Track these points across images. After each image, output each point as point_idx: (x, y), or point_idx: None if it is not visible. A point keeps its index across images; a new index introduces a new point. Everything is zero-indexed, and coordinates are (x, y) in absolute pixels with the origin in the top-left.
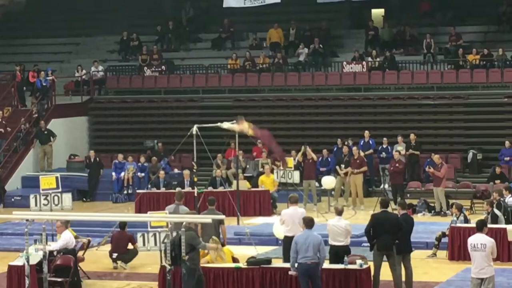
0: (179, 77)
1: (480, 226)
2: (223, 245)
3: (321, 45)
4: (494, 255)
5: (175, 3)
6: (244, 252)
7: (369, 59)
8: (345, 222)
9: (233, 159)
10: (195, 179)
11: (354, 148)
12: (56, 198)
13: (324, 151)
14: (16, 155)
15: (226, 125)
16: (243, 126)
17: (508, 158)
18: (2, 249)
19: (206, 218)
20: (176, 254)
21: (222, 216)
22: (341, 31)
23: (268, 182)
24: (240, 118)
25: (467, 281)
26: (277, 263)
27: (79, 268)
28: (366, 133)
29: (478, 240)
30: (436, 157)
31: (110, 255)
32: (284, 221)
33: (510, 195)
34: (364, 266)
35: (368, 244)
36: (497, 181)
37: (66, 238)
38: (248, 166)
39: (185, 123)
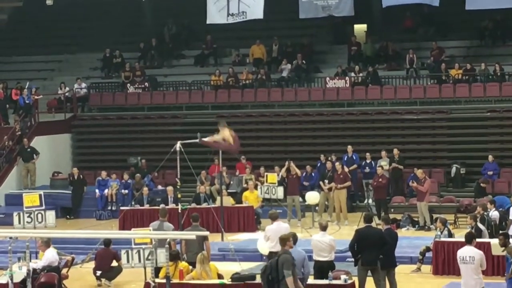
0: (162, 93)
1: (469, 239)
2: None
3: (304, 61)
4: (484, 267)
5: (158, 20)
6: (229, 268)
7: (352, 74)
8: (329, 237)
9: (217, 175)
10: (179, 196)
11: (337, 164)
12: (39, 215)
13: (308, 166)
14: None
15: (207, 138)
16: (225, 134)
17: (491, 172)
18: None
19: (189, 234)
20: (273, 277)
21: (206, 232)
22: (323, 47)
23: (252, 198)
24: (223, 123)
25: None
26: None
27: (63, 285)
28: (349, 148)
29: (467, 252)
30: (419, 172)
31: (94, 273)
32: (269, 237)
33: (494, 209)
34: (349, 282)
35: (353, 259)
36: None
37: (49, 256)
38: (232, 182)
39: (169, 139)
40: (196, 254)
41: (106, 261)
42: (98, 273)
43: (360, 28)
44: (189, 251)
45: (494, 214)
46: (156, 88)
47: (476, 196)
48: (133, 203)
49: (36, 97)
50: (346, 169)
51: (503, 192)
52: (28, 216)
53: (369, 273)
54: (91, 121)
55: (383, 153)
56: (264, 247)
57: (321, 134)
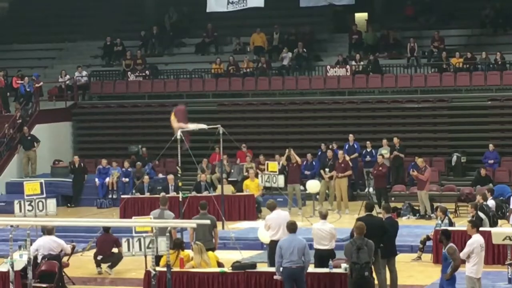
0: (163, 82)
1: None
2: (214, 249)
3: (304, 49)
4: None
5: (159, 8)
6: (229, 257)
7: (353, 62)
8: (330, 225)
9: (218, 164)
10: (180, 184)
11: (340, 152)
12: (40, 203)
13: (308, 155)
14: (0, 161)
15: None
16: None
17: (492, 161)
18: None
19: (191, 223)
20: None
21: (207, 221)
22: (324, 35)
23: (252, 186)
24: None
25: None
26: (262, 267)
27: (64, 273)
28: (351, 136)
29: (482, 240)
30: (420, 161)
31: (95, 258)
32: (270, 226)
33: (491, 197)
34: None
35: None
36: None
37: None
38: (232, 171)
39: (169, 127)
40: (205, 241)
41: (107, 246)
42: (99, 258)
43: (361, 16)
44: (197, 239)
45: (491, 202)
46: (157, 76)
47: (473, 184)
48: (133, 191)
49: (37, 85)
50: (347, 158)
51: (503, 181)
52: (29, 204)
53: None
54: (91, 109)
55: (384, 142)
56: (265, 236)
57: (322, 123)
